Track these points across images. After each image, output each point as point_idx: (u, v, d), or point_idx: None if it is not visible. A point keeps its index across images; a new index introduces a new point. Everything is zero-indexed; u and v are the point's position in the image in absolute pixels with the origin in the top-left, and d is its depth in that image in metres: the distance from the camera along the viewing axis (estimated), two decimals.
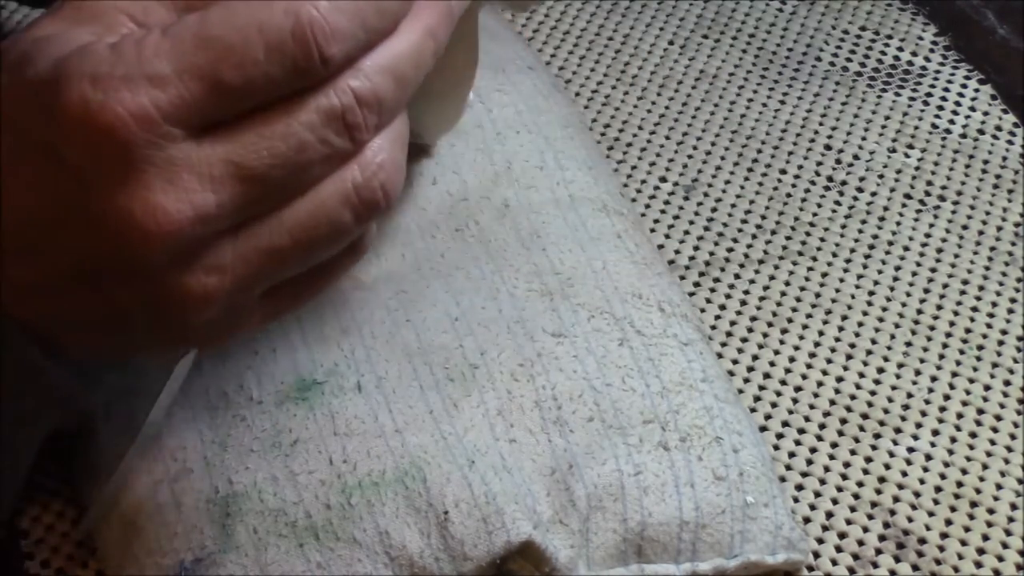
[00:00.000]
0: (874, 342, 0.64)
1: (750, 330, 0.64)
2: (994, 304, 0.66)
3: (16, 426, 0.48)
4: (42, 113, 0.41)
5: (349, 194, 0.44)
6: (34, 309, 0.44)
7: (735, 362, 0.63)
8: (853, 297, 0.66)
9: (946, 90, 0.76)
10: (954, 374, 0.63)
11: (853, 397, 0.62)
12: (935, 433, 0.61)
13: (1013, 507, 0.59)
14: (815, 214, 0.70)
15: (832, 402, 0.62)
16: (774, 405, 0.62)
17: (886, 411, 0.62)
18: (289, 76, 0.42)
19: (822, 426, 0.61)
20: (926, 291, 0.67)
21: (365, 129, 0.43)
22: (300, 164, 0.42)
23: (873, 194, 0.71)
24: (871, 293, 0.66)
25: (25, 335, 0.45)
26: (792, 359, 0.63)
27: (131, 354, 0.50)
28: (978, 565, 0.57)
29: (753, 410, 0.61)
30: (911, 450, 0.61)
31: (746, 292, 0.66)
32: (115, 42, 0.41)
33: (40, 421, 0.49)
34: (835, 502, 0.59)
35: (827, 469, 0.60)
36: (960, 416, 0.62)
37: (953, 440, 0.61)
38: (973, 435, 0.61)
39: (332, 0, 0.42)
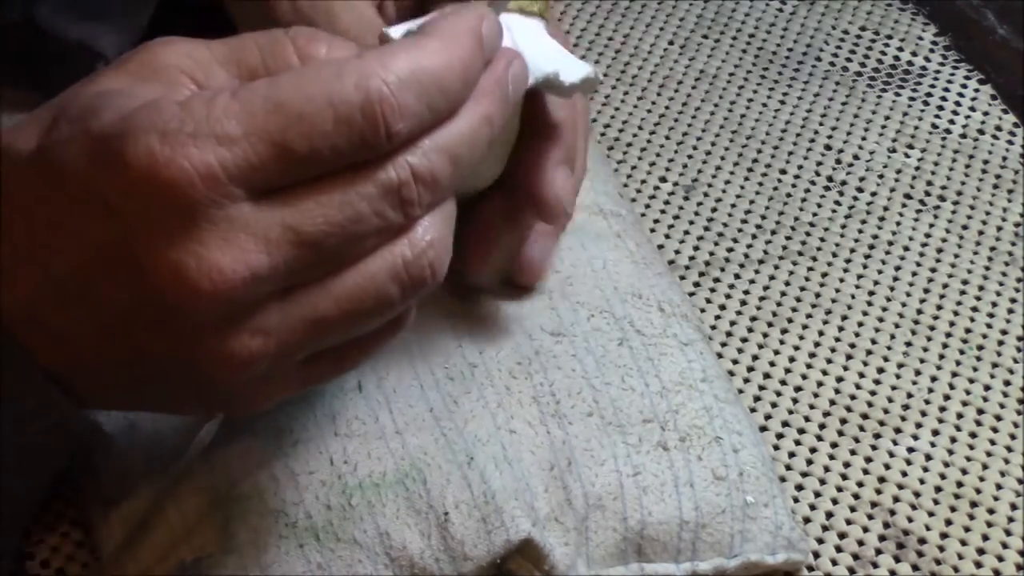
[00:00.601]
0: (874, 342, 0.64)
1: (750, 330, 0.64)
2: (994, 304, 0.66)
3: (31, 467, 0.48)
4: (103, 164, 0.41)
5: (398, 270, 0.44)
6: (66, 358, 0.44)
7: (735, 362, 0.63)
8: (853, 297, 0.66)
9: (946, 90, 0.76)
10: (954, 374, 0.63)
11: (853, 397, 0.62)
12: (935, 433, 0.61)
13: (1013, 507, 0.59)
14: (815, 214, 0.70)
15: (832, 402, 0.62)
16: (774, 405, 0.62)
17: (886, 411, 0.62)
18: (355, 149, 0.42)
19: (822, 426, 0.61)
20: (926, 291, 0.67)
21: (419, 206, 0.44)
22: (354, 234, 0.43)
23: (873, 194, 0.71)
24: (871, 293, 0.66)
25: (51, 383, 0.45)
26: (792, 359, 0.64)
27: (155, 410, 0.50)
28: (978, 565, 0.57)
29: (753, 410, 0.61)
30: (911, 450, 0.61)
31: (746, 292, 0.66)
32: (184, 100, 0.42)
33: (54, 462, 0.49)
34: (835, 502, 0.59)
35: (827, 469, 0.60)
36: (960, 416, 0.62)
37: (953, 440, 0.61)
38: (973, 435, 0.61)
39: (402, 77, 0.42)
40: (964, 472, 0.60)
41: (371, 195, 0.43)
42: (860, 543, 0.58)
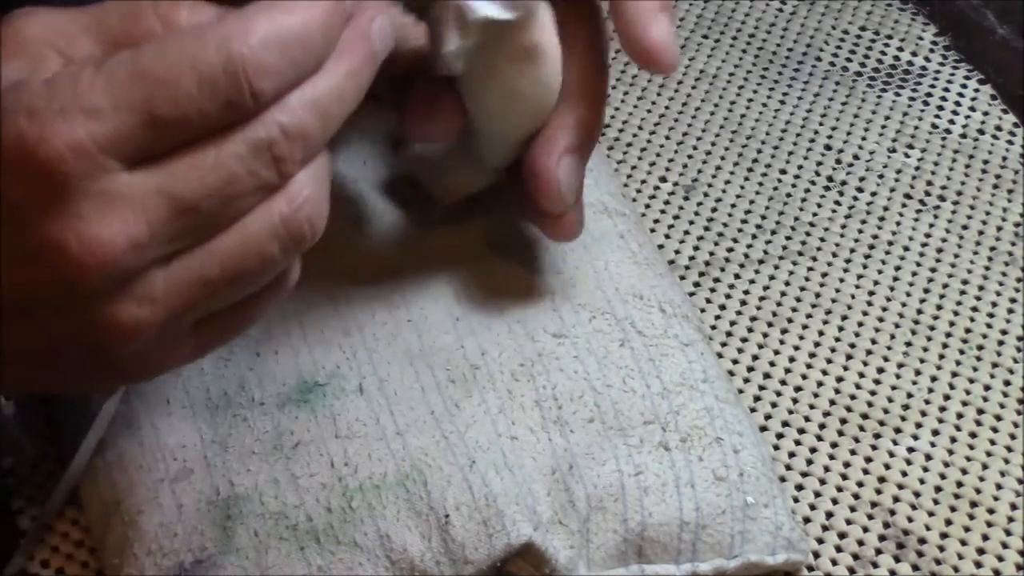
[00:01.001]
0: (874, 342, 0.64)
1: (750, 330, 0.64)
2: (994, 304, 0.66)
3: None
4: None
5: (276, 227, 0.45)
6: None
7: (735, 362, 0.63)
8: (853, 297, 0.66)
9: (946, 90, 0.76)
10: (954, 374, 0.63)
11: (853, 397, 0.62)
12: (935, 433, 0.61)
13: (1013, 507, 0.59)
14: (815, 214, 0.70)
15: (832, 402, 0.62)
16: (774, 405, 0.62)
17: (886, 411, 0.62)
18: (220, 110, 0.43)
19: (822, 426, 0.61)
20: (926, 291, 0.67)
21: (291, 162, 0.44)
22: (229, 195, 0.44)
23: (873, 194, 0.71)
24: (871, 293, 0.66)
25: None
26: (792, 359, 0.64)
27: (61, 390, 0.51)
28: (978, 565, 0.57)
29: (753, 410, 0.61)
30: (911, 450, 0.61)
31: (746, 292, 0.66)
32: (49, 78, 0.42)
33: None
34: (835, 502, 0.59)
35: (827, 469, 0.60)
36: (960, 416, 0.62)
37: (953, 440, 0.61)
38: (973, 435, 0.61)
39: (261, 37, 0.43)
40: (964, 472, 0.60)
41: (242, 154, 0.43)
42: (860, 543, 0.58)
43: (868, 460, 0.60)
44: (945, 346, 0.64)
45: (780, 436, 0.61)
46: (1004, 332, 0.65)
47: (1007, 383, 0.63)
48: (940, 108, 0.75)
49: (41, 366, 0.46)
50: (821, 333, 0.65)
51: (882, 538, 0.58)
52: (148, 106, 0.42)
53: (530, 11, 0.50)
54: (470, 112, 0.54)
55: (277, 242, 0.45)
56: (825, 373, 0.63)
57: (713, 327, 0.64)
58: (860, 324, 0.65)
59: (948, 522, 0.58)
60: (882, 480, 0.59)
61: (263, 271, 0.45)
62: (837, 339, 0.64)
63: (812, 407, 0.62)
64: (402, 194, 0.61)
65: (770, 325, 0.65)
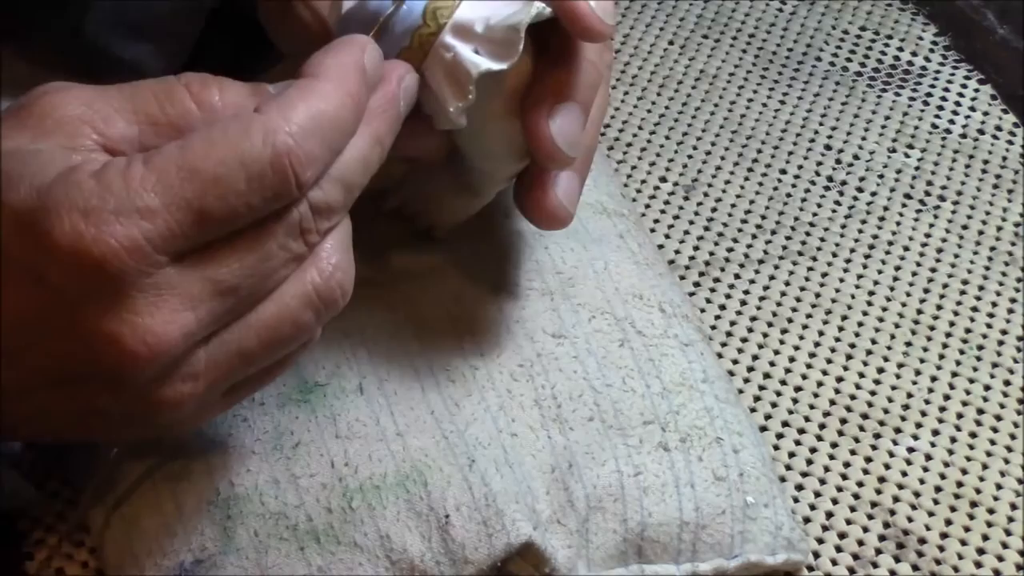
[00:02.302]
0: (874, 342, 0.64)
1: (750, 330, 0.64)
2: (994, 304, 0.66)
3: None
4: (30, 240, 0.42)
5: (310, 295, 0.46)
6: (6, 409, 0.45)
7: (735, 362, 0.63)
8: (853, 297, 0.66)
9: (946, 90, 0.76)
10: (954, 374, 0.64)
11: (853, 397, 0.62)
12: (935, 433, 0.61)
13: (1013, 507, 0.59)
14: (815, 214, 0.70)
15: (832, 402, 0.62)
16: (774, 405, 0.62)
17: (886, 411, 0.62)
18: (267, 203, 0.44)
19: (822, 426, 0.61)
20: (926, 291, 0.67)
21: (317, 233, 0.46)
22: (264, 272, 0.45)
23: (873, 194, 0.71)
24: (871, 293, 0.66)
25: None
26: (792, 359, 0.64)
27: (91, 441, 0.52)
28: (978, 565, 0.57)
29: (753, 410, 0.61)
30: (911, 450, 0.61)
31: (746, 292, 0.66)
32: (98, 171, 0.43)
33: None
34: (835, 502, 0.59)
35: (827, 469, 0.60)
36: (960, 416, 0.62)
37: (953, 440, 0.61)
38: (973, 435, 0.61)
39: (304, 127, 0.44)
40: (964, 472, 0.60)
41: (276, 232, 0.45)
42: (860, 543, 0.58)
43: (868, 460, 0.60)
44: (945, 346, 0.64)
45: (780, 436, 0.61)
46: (1004, 332, 0.65)
47: (1007, 383, 0.63)
48: (940, 108, 0.75)
49: (76, 430, 0.47)
50: (821, 333, 0.65)
51: (882, 538, 0.58)
52: (200, 204, 0.43)
53: (520, 52, 0.50)
54: (467, 153, 0.54)
55: (311, 310, 0.46)
56: (825, 373, 0.63)
57: (713, 327, 0.64)
58: (860, 324, 0.65)
59: (948, 522, 0.58)
60: (882, 480, 0.59)
61: (298, 338, 0.47)
62: (837, 339, 0.64)
63: (812, 407, 0.62)
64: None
65: (770, 325, 0.65)
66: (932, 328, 0.65)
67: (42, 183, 0.43)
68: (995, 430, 0.62)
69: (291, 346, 0.47)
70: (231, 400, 0.48)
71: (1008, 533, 0.58)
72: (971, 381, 0.63)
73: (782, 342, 0.64)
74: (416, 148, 0.54)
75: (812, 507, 0.59)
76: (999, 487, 0.60)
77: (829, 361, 0.64)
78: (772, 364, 0.63)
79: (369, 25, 0.50)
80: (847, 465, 0.60)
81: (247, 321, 0.45)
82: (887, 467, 0.60)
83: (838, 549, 0.58)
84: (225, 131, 0.44)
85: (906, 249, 0.68)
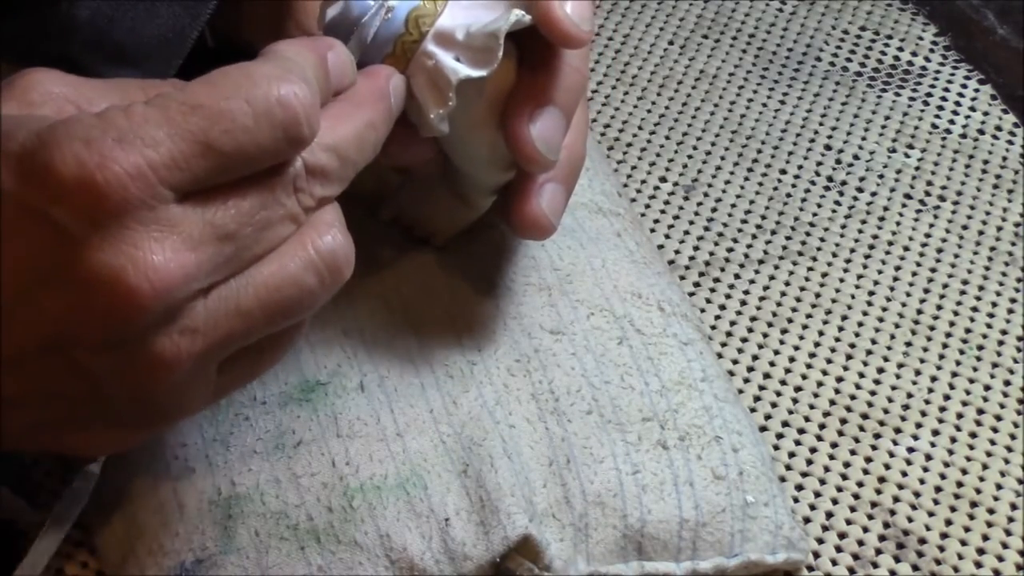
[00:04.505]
0: (874, 342, 0.64)
1: (750, 330, 0.65)
2: (994, 304, 0.66)
3: None
4: (31, 178, 0.42)
5: (311, 257, 0.45)
6: None
7: (735, 362, 0.63)
8: (853, 297, 0.66)
9: (946, 90, 0.76)
10: (954, 374, 0.64)
11: (853, 397, 0.62)
12: (935, 433, 0.61)
13: (1013, 507, 0.59)
14: (815, 214, 0.70)
15: (832, 402, 0.62)
16: (774, 405, 0.62)
17: (886, 411, 0.62)
18: (278, 143, 0.44)
19: (822, 426, 0.61)
20: (926, 291, 0.67)
21: (310, 195, 0.45)
22: (262, 222, 0.44)
23: (873, 194, 0.71)
24: (871, 293, 0.66)
25: None
26: (792, 359, 0.64)
27: (65, 445, 0.49)
28: (978, 565, 0.57)
29: (753, 410, 0.61)
30: (911, 450, 0.61)
31: (746, 292, 0.66)
32: (99, 112, 0.42)
33: None
34: (835, 502, 0.59)
35: (827, 469, 0.60)
36: (960, 416, 0.62)
37: (953, 440, 0.61)
38: (973, 435, 0.61)
39: (301, 75, 0.44)
40: (964, 472, 0.60)
41: (275, 186, 0.44)
42: (860, 543, 0.58)
43: (868, 460, 0.60)
44: (945, 346, 0.65)
45: (780, 436, 0.61)
46: (1004, 332, 0.65)
47: (1007, 383, 0.63)
48: (940, 108, 0.75)
49: (63, 410, 0.45)
50: (821, 333, 0.65)
51: (882, 538, 0.58)
52: (206, 137, 0.42)
53: (499, 58, 0.50)
54: (454, 161, 0.54)
55: (313, 273, 0.45)
56: (825, 373, 0.63)
57: (713, 327, 0.64)
58: (860, 324, 0.65)
59: (948, 522, 0.58)
60: (882, 480, 0.59)
61: (300, 303, 0.46)
62: (837, 339, 0.64)
63: (812, 407, 0.62)
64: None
65: (770, 325, 0.65)
66: (932, 328, 0.65)
67: (40, 127, 0.42)
68: (995, 430, 0.62)
69: (293, 314, 0.46)
70: (225, 384, 0.47)
71: (1008, 533, 0.58)
72: (971, 381, 0.63)
73: (782, 342, 0.64)
74: (406, 157, 0.54)
75: (812, 507, 0.59)
76: (999, 487, 0.60)
77: (829, 361, 0.64)
78: (772, 364, 0.63)
79: (352, 30, 0.50)
80: (847, 465, 0.60)
81: (246, 278, 0.44)
82: (887, 467, 0.60)
83: (838, 549, 0.58)
84: (226, 75, 0.43)
85: (906, 249, 0.68)
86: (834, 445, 0.61)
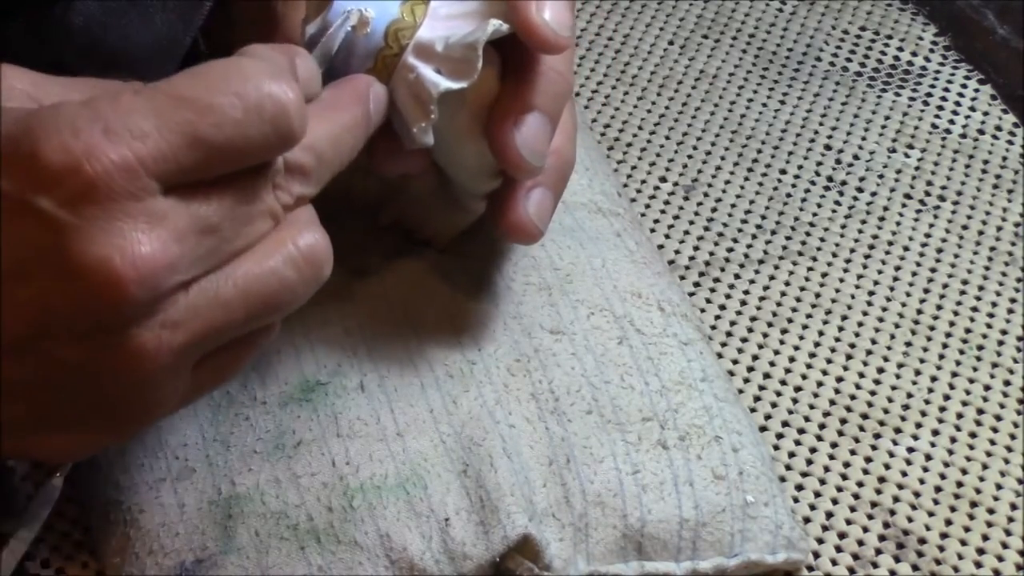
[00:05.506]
0: (874, 342, 0.64)
1: (750, 330, 0.65)
2: (994, 304, 0.66)
3: None
4: (16, 166, 0.41)
5: (290, 252, 0.45)
6: None
7: (735, 362, 0.63)
8: (853, 297, 0.66)
9: (946, 90, 0.76)
10: (954, 374, 0.64)
11: (853, 397, 0.62)
12: (935, 433, 0.61)
13: (1013, 507, 0.59)
14: (815, 214, 0.70)
15: (832, 402, 0.62)
16: (774, 405, 0.62)
17: (886, 411, 0.62)
18: (267, 138, 0.43)
19: (822, 426, 0.61)
20: (926, 291, 0.67)
21: (288, 193, 0.45)
22: (243, 217, 0.44)
23: (873, 194, 0.71)
24: (871, 293, 0.66)
25: None
26: (792, 359, 0.64)
27: (34, 444, 0.48)
28: (978, 565, 0.57)
29: (753, 410, 0.61)
30: (911, 450, 0.61)
31: (746, 292, 0.66)
32: (86, 100, 0.42)
33: None
34: (835, 502, 0.59)
35: (827, 469, 0.60)
36: (960, 416, 0.62)
37: (953, 440, 0.61)
38: (973, 435, 0.61)
39: (285, 71, 0.44)
40: (964, 472, 0.60)
41: (256, 181, 0.44)
42: (860, 543, 0.58)
43: (868, 460, 0.60)
44: (945, 346, 0.65)
45: (780, 436, 0.61)
46: (1004, 332, 0.65)
47: (1007, 383, 0.63)
48: (940, 108, 0.75)
49: (36, 405, 0.45)
50: (821, 333, 0.65)
51: (882, 538, 0.58)
52: (194, 130, 0.42)
53: (479, 69, 0.50)
54: (443, 167, 0.54)
55: (292, 267, 0.45)
56: (825, 373, 0.63)
57: (713, 327, 0.64)
58: (860, 324, 0.65)
59: (948, 522, 0.58)
60: (882, 480, 0.59)
61: (280, 297, 0.46)
62: (837, 339, 0.64)
63: (812, 407, 0.62)
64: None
65: (770, 325, 0.65)
66: (932, 328, 0.65)
67: (23, 115, 0.42)
68: (995, 430, 0.62)
69: (272, 309, 0.46)
70: (201, 381, 0.47)
71: (1008, 533, 0.58)
72: (971, 381, 0.63)
73: (782, 342, 0.64)
74: (400, 167, 0.54)
75: (812, 507, 0.59)
76: (999, 487, 0.60)
77: (829, 361, 0.64)
78: (772, 364, 0.63)
79: (331, 47, 0.51)
80: (847, 465, 0.60)
81: (227, 272, 0.44)
82: (887, 467, 0.60)
83: (838, 549, 0.58)
84: (213, 68, 0.43)
85: (906, 249, 0.68)
86: (834, 445, 0.61)
